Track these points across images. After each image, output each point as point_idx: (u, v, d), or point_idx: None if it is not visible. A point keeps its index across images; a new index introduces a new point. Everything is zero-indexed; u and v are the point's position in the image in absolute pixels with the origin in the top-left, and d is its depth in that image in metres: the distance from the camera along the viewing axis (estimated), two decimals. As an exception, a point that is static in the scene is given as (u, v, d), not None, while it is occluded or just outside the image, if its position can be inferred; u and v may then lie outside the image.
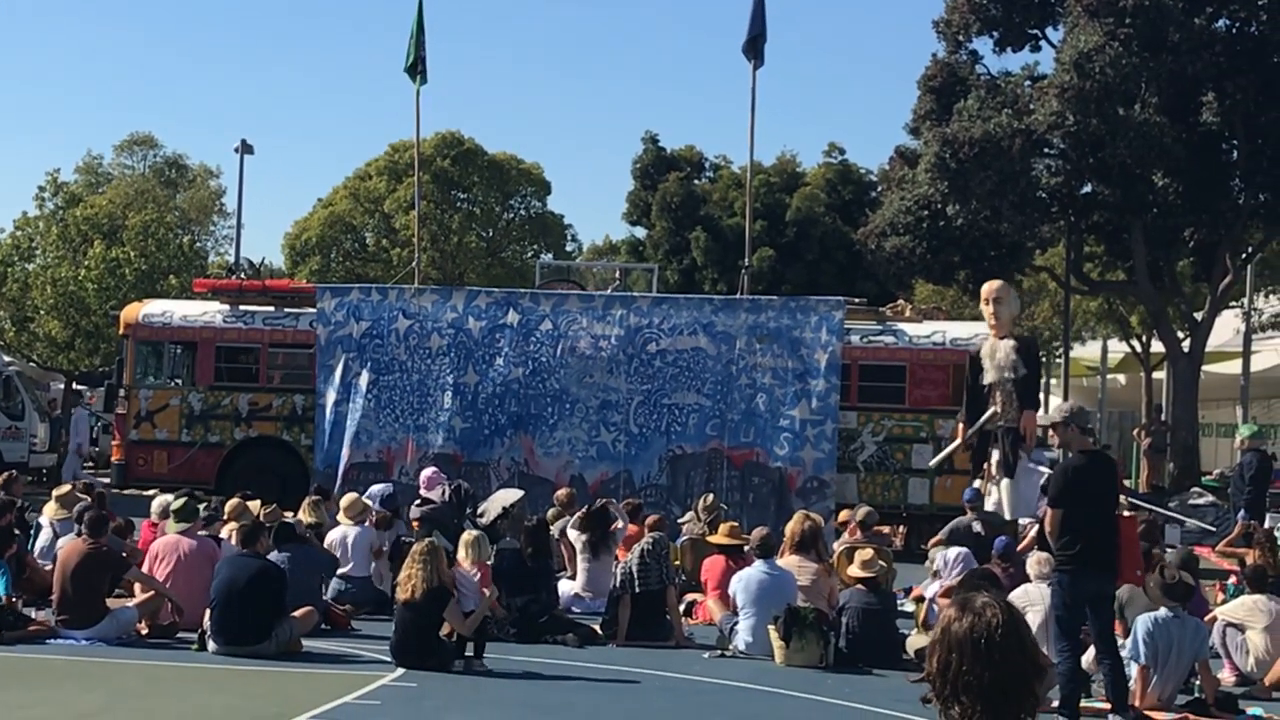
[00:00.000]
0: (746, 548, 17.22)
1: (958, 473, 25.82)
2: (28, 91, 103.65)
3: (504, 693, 13.48)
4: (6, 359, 39.48)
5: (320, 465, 25.88)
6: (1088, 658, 13.18)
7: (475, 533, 16.19)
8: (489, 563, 15.82)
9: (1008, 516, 20.43)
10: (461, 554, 15.46)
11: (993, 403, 20.85)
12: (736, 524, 18.66)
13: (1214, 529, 26.90)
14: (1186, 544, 26.30)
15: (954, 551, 17.78)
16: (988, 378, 21.06)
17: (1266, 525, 20.99)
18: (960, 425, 21.98)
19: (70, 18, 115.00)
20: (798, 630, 15.00)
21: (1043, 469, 25.86)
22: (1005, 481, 20.52)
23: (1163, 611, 12.95)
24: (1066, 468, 13.20)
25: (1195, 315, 38.60)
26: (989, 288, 21.60)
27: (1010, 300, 21.31)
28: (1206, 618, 14.91)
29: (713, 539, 18.19)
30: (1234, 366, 42.48)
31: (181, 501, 16.86)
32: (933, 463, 24.14)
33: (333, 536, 18.15)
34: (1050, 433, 14.34)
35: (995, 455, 21.17)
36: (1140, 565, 14.85)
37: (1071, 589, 12.50)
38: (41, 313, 41.61)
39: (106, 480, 28.69)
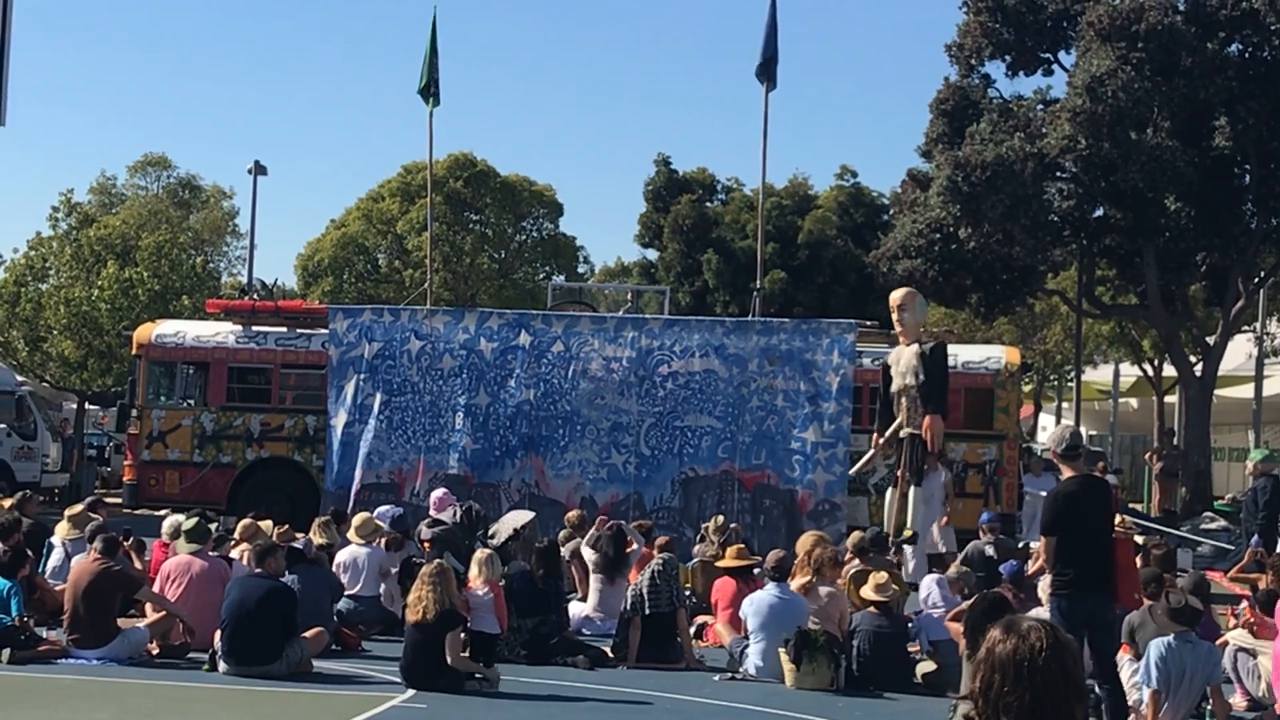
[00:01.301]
0: (757, 570, 17.21)
1: (968, 496, 25.82)
2: (42, 113, 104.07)
3: (514, 714, 13.48)
4: (19, 379, 39.56)
5: (331, 486, 25.90)
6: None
7: (488, 551, 16.19)
8: (500, 583, 15.82)
9: (918, 529, 20.21)
10: (474, 572, 15.45)
11: (898, 410, 20.70)
12: (744, 546, 18.64)
13: (1231, 547, 26.87)
14: (1199, 567, 26.27)
15: (925, 584, 17.74)
16: (894, 385, 20.95)
17: (1279, 550, 20.97)
18: (875, 436, 21.79)
19: (84, 40, 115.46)
20: (808, 653, 14.99)
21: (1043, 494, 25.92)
22: (914, 490, 20.31)
23: (1174, 636, 12.92)
24: (1057, 494, 13.20)
25: (1207, 339, 38.58)
26: (894, 296, 21.53)
27: (916, 307, 21.09)
28: (1218, 641, 14.88)
29: (722, 562, 18.18)
30: (1246, 391, 42.44)
31: (193, 522, 16.89)
32: (851, 471, 23.91)
33: (343, 557, 18.18)
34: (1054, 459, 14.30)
35: (898, 471, 20.95)
36: (1138, 588, 14.85)
37: (1069, 613, 12.47)
38: (55, 333, 41.71)
39: (117, 500, 28.71)
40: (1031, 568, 18.37)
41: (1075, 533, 12.74)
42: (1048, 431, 59.02)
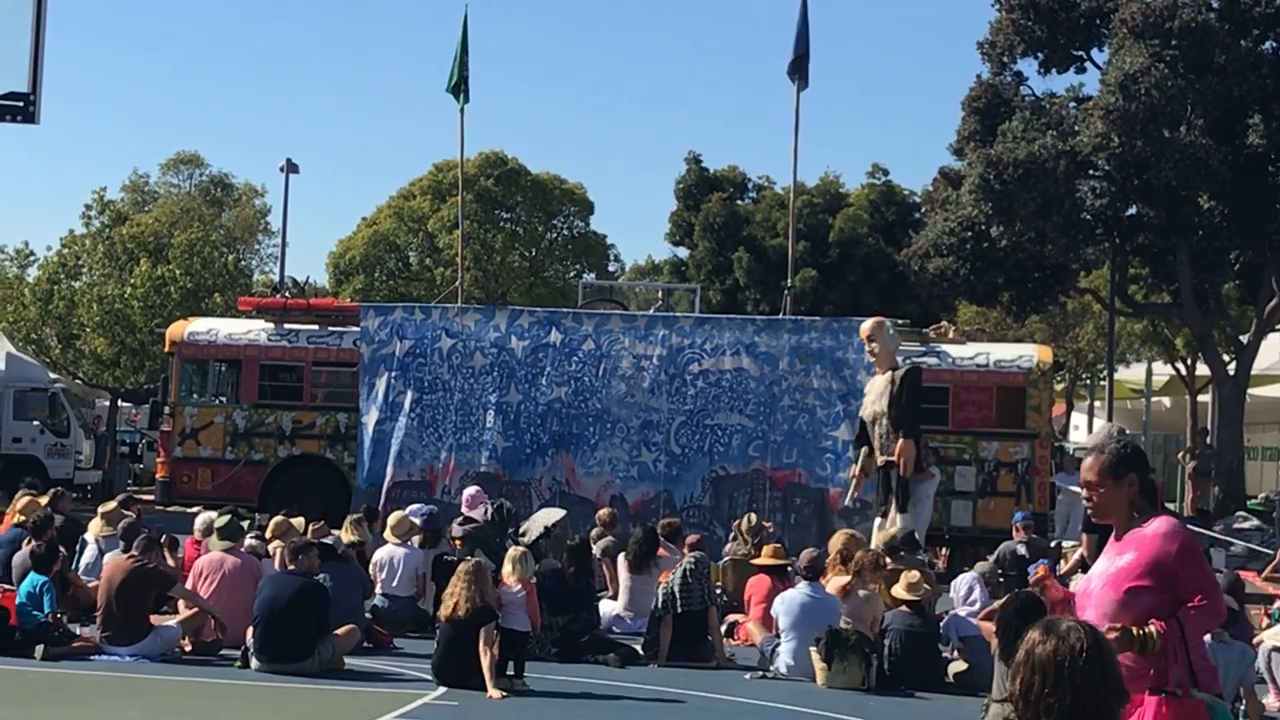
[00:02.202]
0: (790, 569, 17.19)
1: (1000, 495, 25.78)
2: (76, 112, 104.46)
3: (545, 712, 13.48)
4: (52, 376, 39.73)
5: (363, 483, 25.96)
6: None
7: (520, 549, 16.20)
8: (532, 580, 15.82)
9: (914, 528, 20.08)
10: (507, 569, 15.43)
11: (872, 438, 20.50)
12: (780, 545, 18.61)
13: (1267, 550, 26.75)
14: (1232, 567, 26.16)
15: (964, 580, 17.74)
16: (864, 412, 20.86)
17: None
18: (853, 467, 21.73)
19: (117, 39, 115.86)
20: (839, 652, 14.96)
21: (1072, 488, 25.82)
22: (896, 515, 20.10)
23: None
24: None
25: (1241, 338, 38.39)
26: (862, 329, 21.49)
27: (885, 336, 20.93)
28: (1254, 641, 14.82)
29: (757, 560, 18.15)
30: (1279, 390, 42.21)
31: (225, 520, 16.93)
32: (845, 502, 23.65)
33: (379, 555, 18.21)
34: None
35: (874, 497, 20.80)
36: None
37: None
38: (87, 330, 41.88)
39: (150, 497, 28.81)
40: (1064, 567, 18.37)
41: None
42: (1079, 430, 59.06)
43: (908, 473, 19.98)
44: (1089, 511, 7.10)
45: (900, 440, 19.86)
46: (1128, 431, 57.88)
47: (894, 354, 21.13)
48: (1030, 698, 4.48)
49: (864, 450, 20.90)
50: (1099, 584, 6.92)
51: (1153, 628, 6.62)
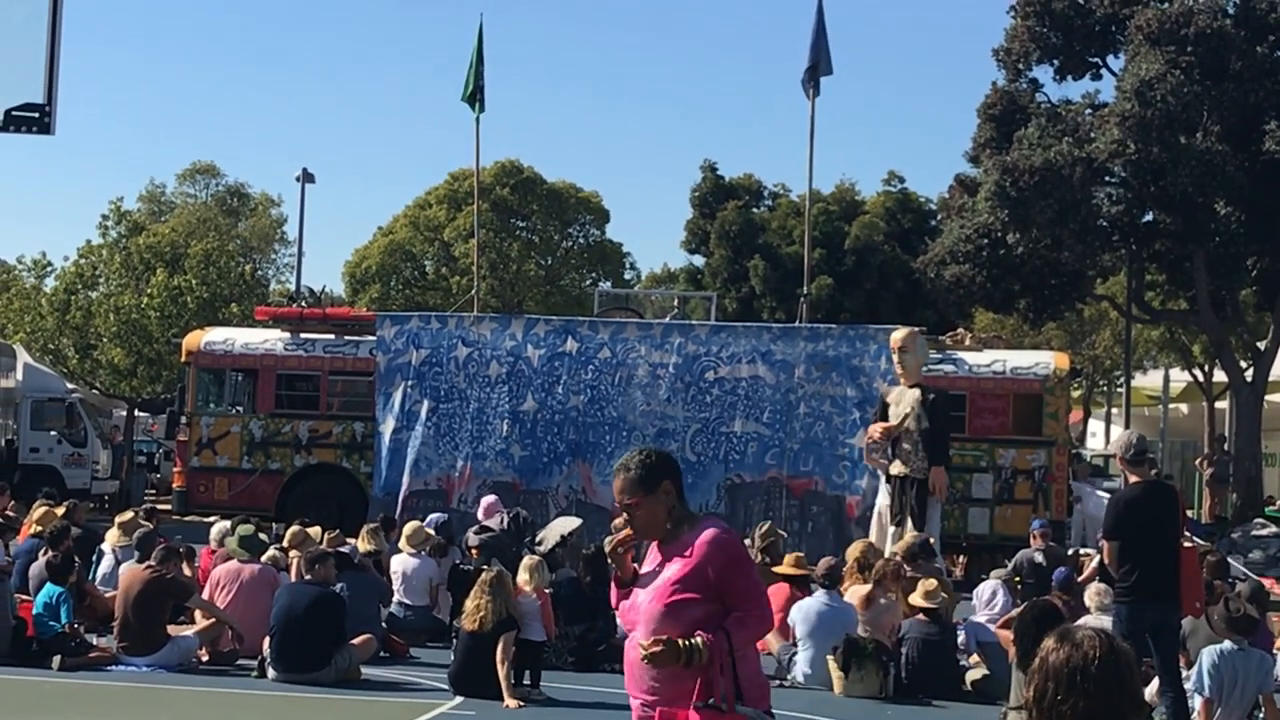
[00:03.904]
0: (811, 581, 17.14)
1: (1017, 502, 25.73)
2: (92, 121, 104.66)
3: (562, 721, 13.47)
4: (70, 386, 39.84)
5: (379, 492, 25.98)
6: (1150, 690, 13.06)
7: (536, 558, 16.19)
8: (548, 590, 15.81)
9: (928, 530, 19.98)
10: (524, 578, 15.41)
11: (899, 450, 20.22)
12: (802, 555, 18.57)
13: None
14: (1251, 575, 26.09)
15: (989, 585, 17.73)
16: (891, 423, 20.66)
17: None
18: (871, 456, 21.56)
19: (133, 49, 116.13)
20: (857, 660, 14.94)
21: (1100, 494, 25.75)
22: (893, 529, 19.97)
23: (1227, 644, 12.82)
24: (1119, 499, 13.18)
25: (1258, 344, 38.31)
26: (895, 338, 21.20)
27: (917, 348, 20.78)
28: (1275, 648, 14.77)
29: (779, 569, 18.11)
30: (1298, 396, 42.08)
31: (249, 531, 16.95)
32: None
33: (396, 565, 18.22)
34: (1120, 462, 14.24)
35: (885, 500, 20.55)
36: (1201, 597, 14.72)
37: (1130, 620, 12.41)
38: (104, 340, 41.96)
39: (167, 507, 28.86)
40: (1083, 575, 18.33)
41: (1137, 538, 12.69)
42: (1097, 437, 58.89)
43: (943, 499, 20.09)
44: (631, 533, 6.85)
45: (934, 467, 19.79)
46: (1146, 438, 57.87)
47: (921, 367, 21.07)
48: (1043, 705, 4.47)
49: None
50: (646, 597, 6.63)
51: (699, 639, 6.39)
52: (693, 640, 6.41)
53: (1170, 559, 12.84)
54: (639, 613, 6.66)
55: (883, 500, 20.57)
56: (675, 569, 6.54)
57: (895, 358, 20.99)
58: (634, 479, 6.65)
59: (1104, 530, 13.23)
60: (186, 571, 17.51)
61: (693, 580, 6.48)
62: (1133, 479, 13.24)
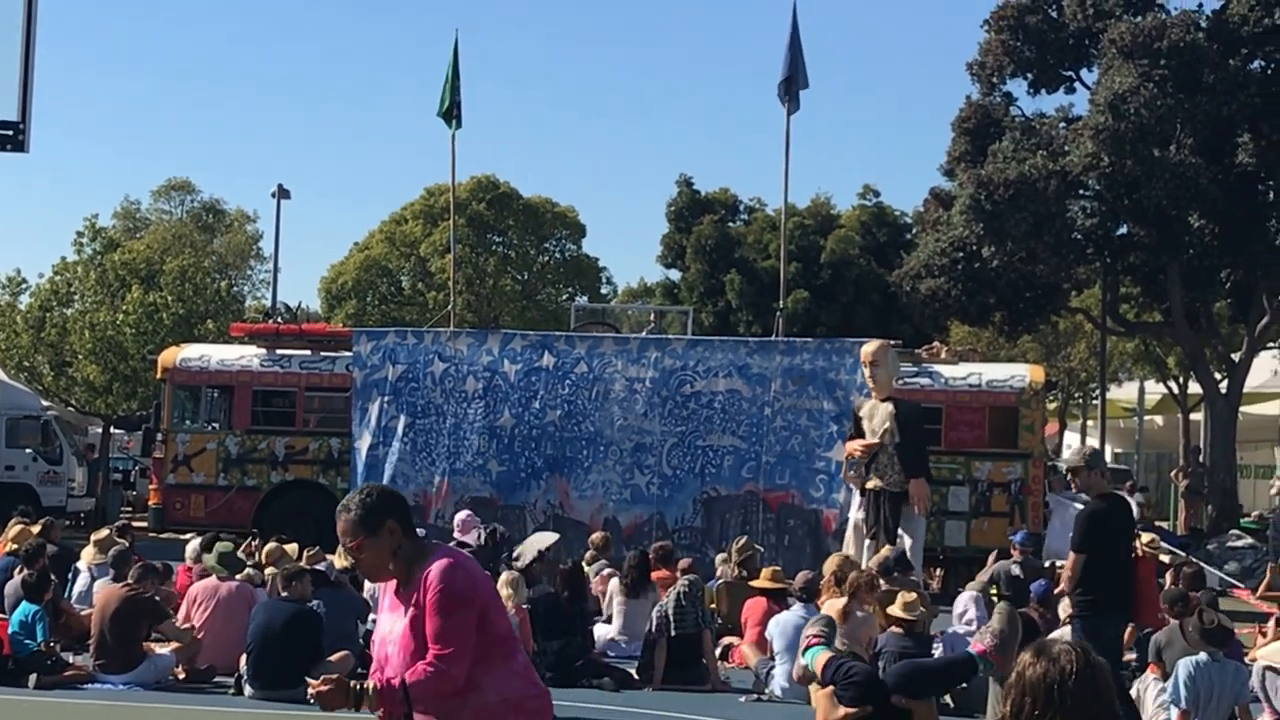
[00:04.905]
0: (789, 595, 17.16)
1: (994, 515, 25.78)
2: (66, 138, 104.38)
3: (540, 737, 13.42)
4: (44, 403, 39.68)
5: (356, 509, 25.88)
6: (1150, 699, 13.18)
7: (513, 574, 16.18)
8: (525, 606, 15.80)
9: (910, 538, 20.01)
10: (503, 594, 15.40)
11: (875, 464, 20.18)
12: (779, 568, 18.58)
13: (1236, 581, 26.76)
14: (1225, 586, 26.18)
15: (967, 595, 17.78)
16: (866, 427, 20.63)
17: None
18: (848, 473, 21.57)
19: (107, 65, 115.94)
20: (834, 674, 14.92)
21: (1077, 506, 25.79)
22: (868, 543, 19.96)
23: (1203, 655, 12.87)
24: (1091, 513, 13.21)
25: (1232, 356, 38.48)
26: (866, 351, 21.20)
27: (888, 362, 20.78)
28: (1248, 658, 14.81)
29: (756, 583, 18.13)
30: (1272, 408, 42.27)
31: (228, 549, 16.92)
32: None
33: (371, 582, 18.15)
34: (1071, 476, 14.23)
35: (858, 514, 20.51)
36: (1158, 606, 14.83)
37: (1092, 634, 12.45)
38: (79, 357, 41.81)
39: (143, 524, 28.77)
40: (1059, 587, 18.36)
41: (1103, 551, 12.77)
42: (1072, 450, 58.86)
43: (924, 512, 20.05)
44: (366, 578, 6.67)
45: (914, 479, 19.79)
46: (1118, 451, 57.99)
47: (893, 380, 21.08)
48: (1020, 718, 4.49)
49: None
50: (393, 648, 6.38)
51: (371, 683, 6.27)
52: (364, 684, 6.29)
53: (1129, 571, 13.01)
54: (390, 664, 6.39)
55: (857, 514, 20.58)
56: (410, 614, 6.29)
57: (867, 371, 21.01)
58: (354, 520, 6.31)
59: (1075, 543, 13.27)
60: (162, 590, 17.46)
61: (420, 624, 6.28)
62: (1095, 491, 13.32)
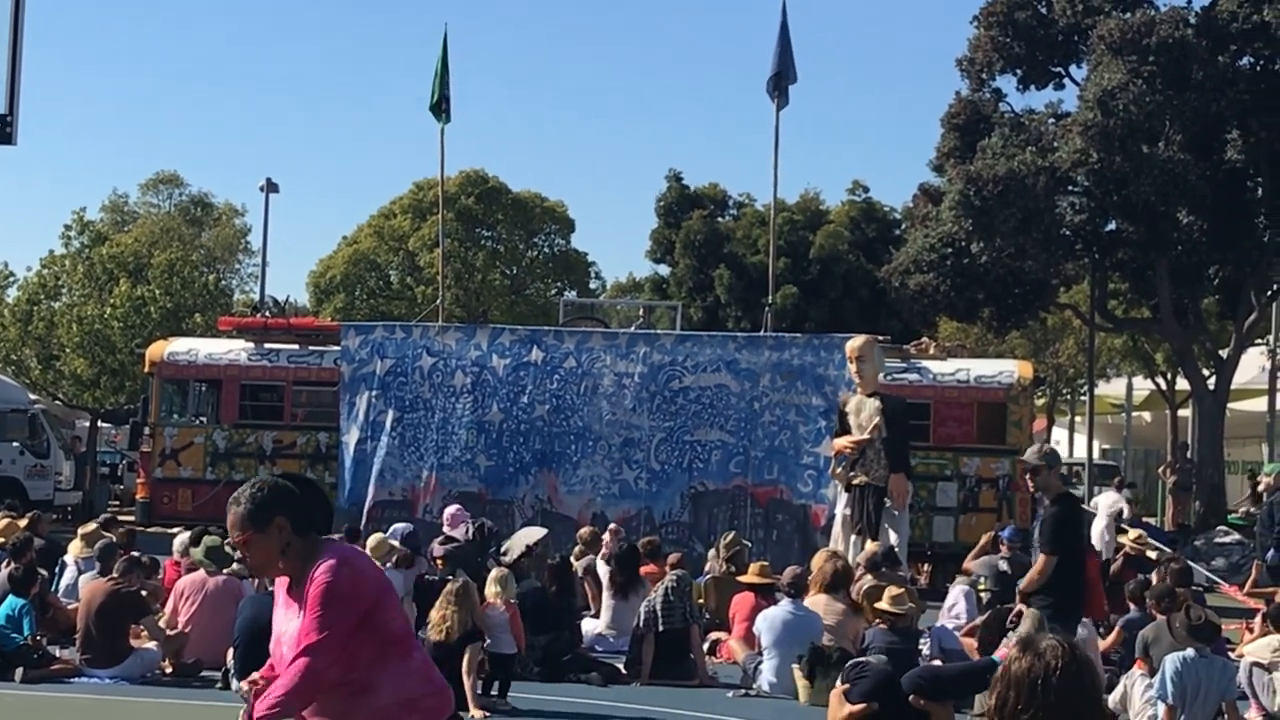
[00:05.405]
0: (777, 590, 17.15)
1: (982, 510, 25.80)
2: (54, 132, 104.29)
3: (527, 732, 13.44)
4: (32, 397, 39.61)
5: (344, 503, 25.87)
6: (1136, 695, 13.22)
7: (503, 570, 16.16)
8: (514, 601, 15.78)
9: (894, 536, 19.97)
10: (491, 590, 15.38)
11: (862, 459, 20.15)
12: (766, 563, 18.57)
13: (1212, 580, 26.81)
14: (1212, 583, 26.21)
15: (958, 589, 17.80)
16: (852, 434, 20.57)
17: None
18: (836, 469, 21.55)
19: (95, 59, 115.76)
20: (822, 669, 14.92)
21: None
22: (854, 539, 19.93)
23: (1190, 651, 12.88)
24: (1061, 515, 13.22)
25: (1220, 353, 38.54)
26: (851, 346, 21.16)
27: (874, 357, 20.72)
28: (1235, 654, 14.83)
29: (744, 578, 18.12)
30: (1260, 404, 42.38)
31: (215, 543, 16.88)
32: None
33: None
34: (1030, 477, 14.16)
35: (845, 510, 20.47)
36: (1103, 599, 14.94)
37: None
38: (67, 351, 41.74)
39: (131, 518, 28.72)
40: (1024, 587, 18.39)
41: (1071, 556, 12.92)
42: (1060, 445, 58.98)
43: (901, 507, 19.97)
44: (253, 573, 6.58)
45: (894, 475, 19.75)
46: (1106, 447, 58.06)
47: (879, 375, 21.05)
48: (1004, 713, 4.49)
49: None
50: (286, 648, 6.26)
51: (243, 686, 6.21)
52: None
53: (1084, 571, 13.18)
54: (284, 664, 6.27)
55: (843, 509, 20.56)
56: (301, 614, 6.22)
57: (853, 366, 20.98)
58: (242, 514, 6.22)
59: (1047, 545, 13.27)
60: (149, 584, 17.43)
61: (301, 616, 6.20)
62: (1054, 491, 13.39)
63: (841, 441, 20.49)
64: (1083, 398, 51.20)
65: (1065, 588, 12.91)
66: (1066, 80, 38.14)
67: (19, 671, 14.84)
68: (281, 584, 6.43)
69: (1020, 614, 13.16)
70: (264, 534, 6.19)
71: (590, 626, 18.42)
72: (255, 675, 6.45)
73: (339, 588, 6.12)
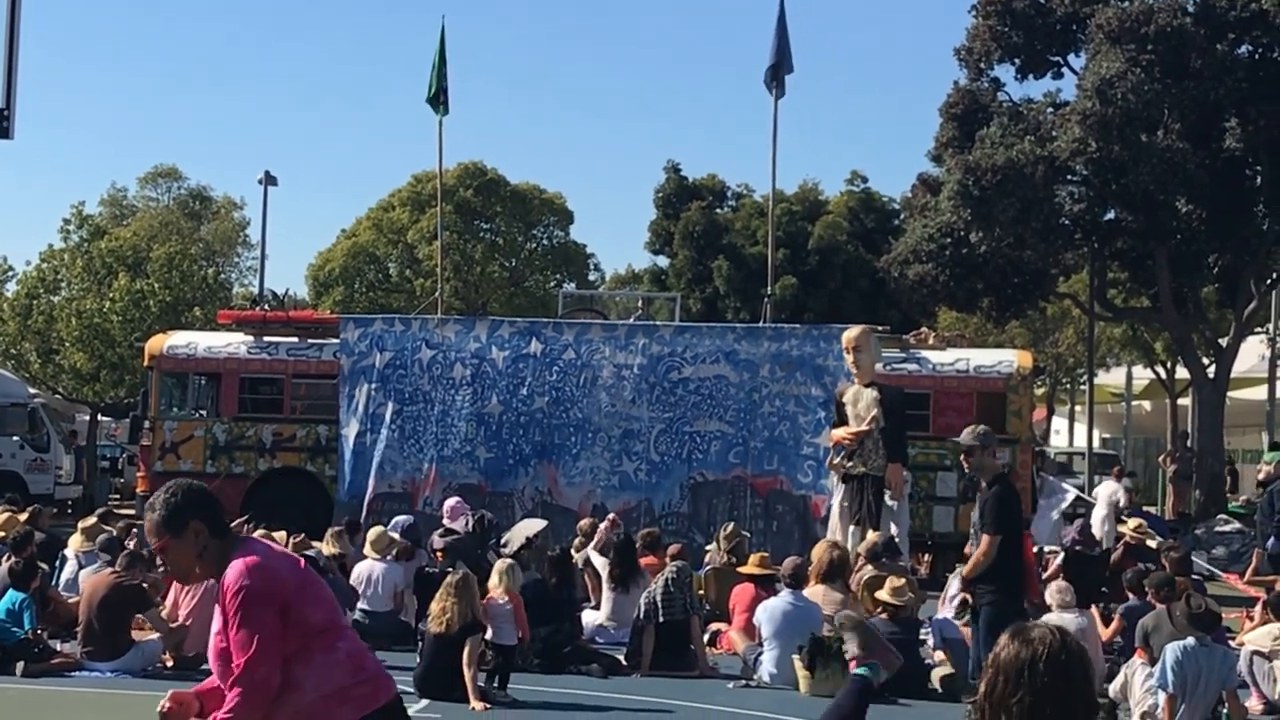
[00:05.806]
0: (777, 581, 17.16)
1: (982, 500, 25.77)
2: (52, 126, 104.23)
3: (528, 724, 13.45)
4: (32, 391, 39.62)
5: (344, 496, 25.90)
6: (1136, 684, 13.25)
7: (508, 561, 16.16)
8: (518, 592, 15.78)
9: (894, 528, 19.98)
10: (494, 581, 15.37)
11: (861, 449, 20.16)
12: (766, 554, 18.58)
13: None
14: (1218, 569, 26.21)
15: (958, 580, 17.86)
16: (850, 426, 20.56)
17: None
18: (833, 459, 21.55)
19: (94, 52, 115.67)
20: (822, 660, 14.94)
21: (1069, 494, 25.78)
22: (853, 529, 19.93)
23: (1190, 640, 12.88)
24: (1001, 495, 13.33)
25: (1220, 341, 38.53)
26: (847, 336, 21.17)
27: (870, 347, 20.74)
28: (1235, 643, 14.84)
29: (744, 569, 18.13)
30: (1260, 393, 42.39)
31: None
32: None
33: (359, 570, 18.14)
34: (964, 457, 14.23)
35: (842, 501, 20.43)
36: (1038, 582, 15.05)
37: (1000, 619, 12.48)
38: (67, 345, 41.74)
39: (131, 512, 28.74)
40: (1047, 572, 18.41)
41: (1012, 536, 13.03)
42: (1060, 435, 59.02)
43: (899, 497, 20.00)
44: (175, 580, 6.51)
45: (892, 465, 19.78)
46: (1106, 436, 58.01)
47: (875, 365, 21.06)
48: (993, 699, 4.53)
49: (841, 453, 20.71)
50: (210, 654, 6.21)
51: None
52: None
53: (1023, 552, 13.34)
54: (214, 662, 6.24)
55: (840, 500, 20.57)
56: (220, 618, 6.16)
57: (849, 357, 21.00)
58: (157, 520, 6.11)
59: (991, 525, 13.37)
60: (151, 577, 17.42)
61: (226, 630, 6.12)
62: (991, 472, 13.53)
63: (840, 433, 20.52)
64: (1082, 387, 51.23)
65: (1008, 568, 13.01)
66: (1065, 69, 38.13)
67: (19, 665, 14.85)
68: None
69: (965, 601, 13.29)
70: (180, 539, 6.10)
71: (590, 618, 18.42)
72: (173, 694, 6.31)
73: (252, 590, 6.02)
